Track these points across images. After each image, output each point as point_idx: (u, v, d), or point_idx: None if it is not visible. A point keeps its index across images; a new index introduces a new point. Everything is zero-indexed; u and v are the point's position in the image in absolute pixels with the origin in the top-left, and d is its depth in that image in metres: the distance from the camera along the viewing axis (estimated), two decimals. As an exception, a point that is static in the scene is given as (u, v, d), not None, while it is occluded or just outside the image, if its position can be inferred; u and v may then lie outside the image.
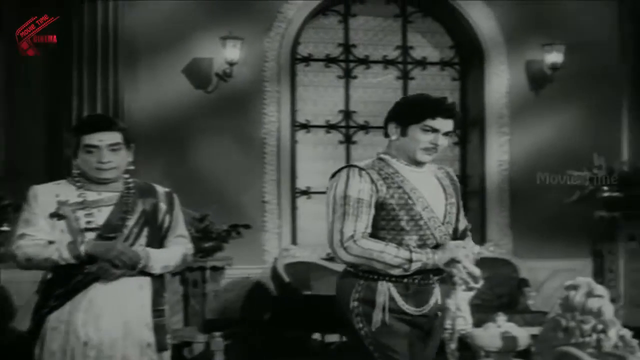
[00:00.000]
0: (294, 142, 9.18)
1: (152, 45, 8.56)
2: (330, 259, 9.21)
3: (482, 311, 6.11)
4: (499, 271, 8.69)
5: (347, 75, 9.51)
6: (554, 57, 9.20)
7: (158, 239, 3.99)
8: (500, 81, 9.35)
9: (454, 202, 3.93)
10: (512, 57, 9.35)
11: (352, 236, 3.75)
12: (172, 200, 4.07)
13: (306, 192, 9.34)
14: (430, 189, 3.88)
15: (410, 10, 9.64)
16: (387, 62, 9.59)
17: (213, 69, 8.76)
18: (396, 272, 3.70)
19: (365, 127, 9.50)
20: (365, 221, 3.76)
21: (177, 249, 4.03)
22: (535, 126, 9.36)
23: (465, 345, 4.62)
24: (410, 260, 3.69)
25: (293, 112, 9.15)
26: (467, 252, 3.76)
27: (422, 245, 3.77)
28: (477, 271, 3.59)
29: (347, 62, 9.52)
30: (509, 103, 9.34)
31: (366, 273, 3.77)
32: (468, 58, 9.58)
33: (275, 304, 8.29)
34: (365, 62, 9.53)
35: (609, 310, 2.51)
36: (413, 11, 9.64)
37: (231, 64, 8.67)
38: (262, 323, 8.22)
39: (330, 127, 9.46)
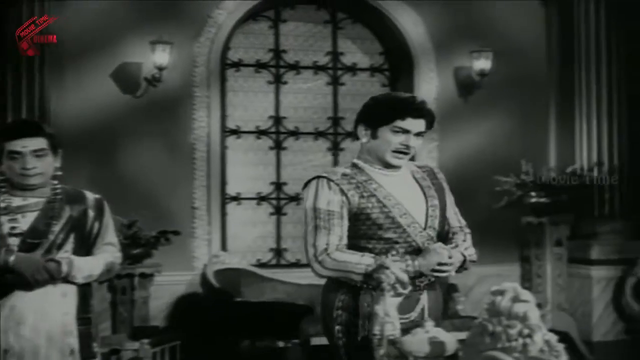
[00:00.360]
0: (223, 147, 9.14)
1: (80, 47, 8.45)
2: (261, 265, 9.20)
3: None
4: (429, 276, 8.74)
5: (278, 81, 9.50)
6: (482, 63, 9.29)
7: (86, 246, 3.93)
8: (429, 87, 9.41)
9: (436, 204, 3.79)
10: (441, 63, 9.42)
11: (326, 249, 3.66)
12: (101, 207, 4.02)
13: (236, 198, 9.30)
14: (408, 194, 3.76)
15: (340, 17, 9.67)
16: (317, 68, 9.60)
17: (142, 74, 8.68)
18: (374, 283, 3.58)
19: (295, 133, 9.50)
20: (338, 233, 3.67)
21: (104, 257, 3.98)
22: (464, 132, 9.44)
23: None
24: (377, 268, 3.57)
25: (223, 117, 9.12)
26: (446, 255, 3.64)
27: (405, 252, 3.67)
28: (405, 277, 3.58)
29: (278, 68, 9.51)
30: (438, 109, 9.38)
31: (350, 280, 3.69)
32: (398, 64, 9.64)
33: (204, 310, 8.24)
34: (296, 67, 9.54)
35: (534, 315, 2.53)
36: (343, 17, 9.67)
37: (160, 68, 8.60)
38: (191, 330, 8.16)
39: (260, 132, 9.44)
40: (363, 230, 3.68)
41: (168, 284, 8.51)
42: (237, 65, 9.38)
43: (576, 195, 9.01)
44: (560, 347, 2.55)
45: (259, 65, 9.45)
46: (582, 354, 8.69)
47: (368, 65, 9.72)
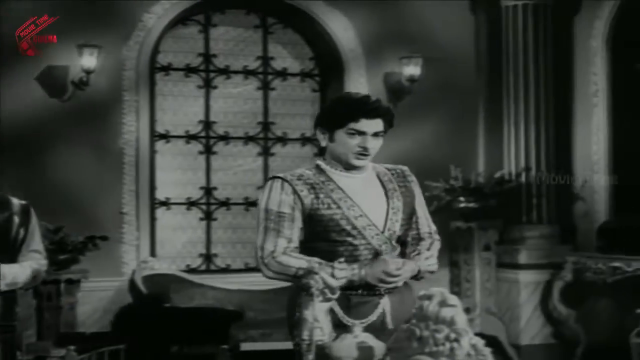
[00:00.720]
0: (153, 152, 9.06)
1: (4, 50, 8.31)
2: (191, 270, 9.14)
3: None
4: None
5: (208, 85, 9.45)
6: (412, 69, 9.34)
7: (10, 253, 3.86)
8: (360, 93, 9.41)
9: (399, 207, 3.69)
10: (371, 69, 9.46)
11: (272, 252, 3.59)
12: (27, 213, 3.95)
13: (165, 203, 9.23)
14: (368, 195, 3.67)
15: (270, 22, 9.65)
16: (247, 73, 9.57)
17: (69, 77, 8.57)
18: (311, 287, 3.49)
19: (225, 138, 9.45)
20: (287, 236, 3.60)
21: (29, 264, 3.91)
22: (394, 138, 9.33)
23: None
24: (333, 277, 3.49)
25: (152, 121, 9.04)
26: (393, 267, 3.54)
27: (358, 256, 3.59)
28: (334, 282, 3.57)
29: (208, 72, 9.46)
30: (368, 115, 9.43)
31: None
32: (328, 69, 9.65)
33: (132, 316, 8.16)
34: (226, 72, 9.49)
35: (461, 319, 2.54)
36: (273, 22, 9.65)
37: (88, 72, 8.50)
38: (119, 336, 8.06)
39: (190, 137, 9.37)
40: (317, 233, 3.61)
41: (96, 290, 8.41)
42: (167, 69, 9.31)
43: (504, 201, 9.10)
44: (487, 351, 2.56)
45: (189, 70, 9.40)
46: (510, 358, 8.78)
47: (298, 70, 9.72)
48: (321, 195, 3.61)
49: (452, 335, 2.55)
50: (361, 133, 3.59)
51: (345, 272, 3.52)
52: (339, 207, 3.59)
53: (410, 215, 3.75)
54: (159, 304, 8.08)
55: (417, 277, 3.70)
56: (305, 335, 3.58)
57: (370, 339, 3.32)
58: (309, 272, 3.60)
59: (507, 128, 9.37)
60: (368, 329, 3.50)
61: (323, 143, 3.67)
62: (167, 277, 8.60)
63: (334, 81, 9.58)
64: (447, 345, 2.55)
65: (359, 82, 9.42)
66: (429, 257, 3.74)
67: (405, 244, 3.75)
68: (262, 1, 9.49)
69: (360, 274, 3.54)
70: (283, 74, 9.65)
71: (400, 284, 3.62)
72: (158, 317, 7.88)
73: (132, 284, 8.49)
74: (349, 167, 3.66)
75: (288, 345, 3.80)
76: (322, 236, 3.61)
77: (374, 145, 3.64)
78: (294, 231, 3.60)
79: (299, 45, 9.74)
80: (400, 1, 9.55)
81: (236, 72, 9.53)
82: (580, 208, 9.37)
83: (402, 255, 3.74)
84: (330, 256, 3.56)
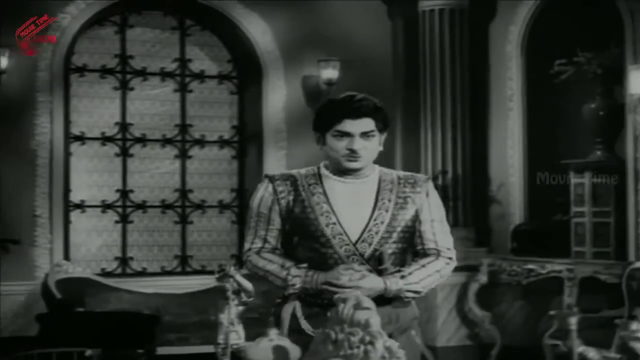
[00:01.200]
0: (67, 154, 8.93)
1: None
2: (106, 274, 9.02)
3: (260, 325, 6.14)
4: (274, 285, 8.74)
5: (124, 87, 9.34)
6: (330, 73, 9.37)
7: None
8: (278, 96, 9.43)
9: (385, 220, 3.48)
10: (289, 72, 9.45)
11: (248, 251, 3.61)
12: None
13: (80, 206, 9.10)
14: (353, 203, 3.50)
15: (188, 23, 9.59)
16: (164, 75, 9.49)
17: (-20, 78, 8.41)
18: (284, 292, 3.53)
19: (142, 140, 9.36)
20: (262, 236, 3.56)
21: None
22: (312, 141, 9.43)
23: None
24: (286, 282, 3.50)
25: (67, 123, 8.90)
26: (345, 278, 3.38)
27: (323, 265, 3.44)
28: (249, 285, 3.55)
29: (124, 74, 9.35)
30: (286, 118, 9.43)
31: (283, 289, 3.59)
32: (246, 72, 9.62)
33: (45, 321, 8.02)
34: (143, 73, 9.40)
35: (376, 322, 2.55)
36: (191, 24, 9.59)
37: None
38: (32, 341, 7.92)
39: (106, 139, 9.26)
40: (293, 237, 3.54)
41: (7, 294, 8.25)
42: (82, 70, 9.18)
43: (421, 204, 9.15)
44: (402, 353, 2.57)
45: (105, 71, 9.28)
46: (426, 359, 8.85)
47: (216, 73, 9.67)
48: (300, 199, 3.52)
49: (367, 338, 2.56)
50: (347, 134, 3.46)
51: (298, 279, 3.46)
52: (312, 212, 3.49)
53: (407, 229, 3.53)
54: (73, 308, 7.96)
55: (395, 296, 3.47)
56: (220, 339, 3.55)
57: (286, 342, 3.31)
58: (225, 274, 3.57)
59: (423, 131, 9.44)
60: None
61: (318, 146, 3.59)
62: (81, 280, 8.48)
63: (252, 84, 9.55)
64: (362, 348, 2.56)
65: (277, 85, 9.41)
66: (406, 275, 3.48)
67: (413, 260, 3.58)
68: (179, 3, 9.42)
69: (313, 280, 3.44)
70: (201, 76, 9.59)
71: (342, 295, 3.42)
72: (72, 321, 7.76)
73: (45, 288, 8.34)
74: (344, 171, 3.53)
75: (205, 349, 3.78)
76: (297, 241, 3.54)
77: (365, 146, 3.47)
78: (269, 232, 3.55)
79: (217, 47, 9.69)
80: (319, 5, 9.56)
81: (153, 74, 9.44)
82: (496, 211, 9.48)
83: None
84: (304, 261, 3.49)
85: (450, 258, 3.60)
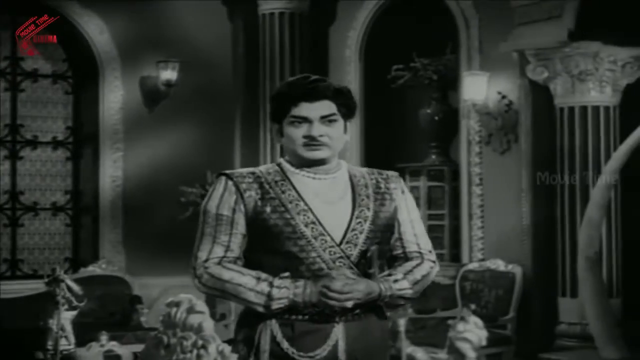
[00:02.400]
0: None
1: None
2: None
3: (95, 330, 6.00)
4: (112, 288, 8.59)
5: (-48, 86, 9.00)
6: (169, 74, 9.27)
7: None
8: (115, 97, 9.27)
9: (367, 217, 3.04)
10: (126, 72, 9.30)
11: (205, 262, 2.97)
12: None
13: None
14: (329, 200, 3.04)
15: (21, 21, 9.29)
16: (-6, 73, 9.20)
17: None
18: (260, 310, 2.90)
19: (-29, 141, 9.04)
20: (225, 243, 2.98)
21: None
22: (150, 142, 9.36)
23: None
24: (270, 297, 2.89)
25: None
26: (339, 283, 2.90)
27: (304, 272, 2.93)
28: (79, 290, 3.45)
29: (-49, 72, 9.02)
30: (123, 119, 9.27)
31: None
32: (82, 72, 9.41)
33: None
34: (-29, 72, 9.09)
35: (209, 326, 2.51)
36: (24, 22, 9.31)
37: None
38: None
39: None
40: (259, 242, 2.98)
41: None
42: None
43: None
44: (234, 357, 2.54)
45: None
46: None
47: (50, 72, 9.41)
48: (268, 197, 3.00)
49: (200, 342, 2.52)
50: (304, 120, 3.00)
51: (286, 291, 2.90)
52: (286, 211, 2.97)
53: (387, 229, 3.11)
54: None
55: (387, 302, 3.06)
56: (49, 345, 3.44)
57: (117, 347, 3.23)
58: (55, 279, 3.46)
59: (263, 134, 9.45)
60: None
61: (276, 140, 3.13)
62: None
63: (89, 84, 9.36)
64: (195, 352, 2.52)
65: (114, 85, 9.25)
66: (399, 279, 3.07)
67: (388, 264, 3.15)
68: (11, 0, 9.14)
69: (304, 292, 2.90)
70: (33, 75, 9.32)
71: (338, 304, 2.94)
72: None
73: None
74: (310, 164, 3.04)
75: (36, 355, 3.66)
76: (264, 246, 2.98)
77: (326, 132, 3.01)
78: (233, 238, 2.99)
79: (52, 46, 9.42)
80: (158, 5, 9.43)
81: (-18, 73, 9.14)
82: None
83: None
84: (273, 272, 2.94)
85: (434, 261, 3.20)
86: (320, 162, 3.04)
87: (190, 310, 2.55)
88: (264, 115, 9.43)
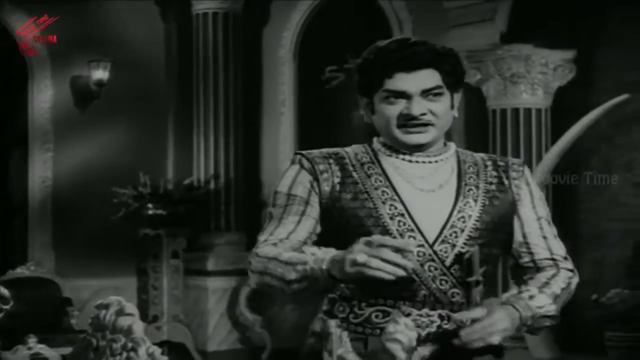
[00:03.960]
0: None
1: None
2: None
3: (24, 333, 5.91)
4: (41, 291, 8.46)
5: None
6: (100, 74, 9.16)
7: None
8: (44, 96, 9.15)
9: (471, 213, 2.44)
10: (57, 72, 9.19)
11: (264, 243, 2.46)
12: None
13: None
14: (425, 188, 2.47)
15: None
16: None
17: None
18: (295, 288, 2.34)
19: None
20: (291, 225, 2.45)
21: None
22: (81, 143, 9.25)
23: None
24: (305, 263, 2.30)
25: None
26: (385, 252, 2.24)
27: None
28: (6, 292, 3.38)
29: None
30: (53, 119, 9.16)
31: (332, 301, 2.48)
32: (9, 71, 9.26)
33: None
34: None
35: (138, 328, 2.46)
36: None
37: None
38: None
39: None
40: (336, 234, 2.44)
41: None
42: None
43: (193, 208, 9.11)
44: (165, 359, 2.51)
45: None
46: (197, 365, 8.79)
47: (-25, 70, 9.28)
48: (350, 181, 2.47)
49: (129, 345, 2.47)
50: (401, 94, 2.43)
51: (322, 253, 2.30)
52: (369, 199, 2.43)
53: (499, 228, 2.49)
54: None
55: (529, 327, 2.44)
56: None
57: (45, 350, 3.17)
58: None
59: (196, 135, 9.40)
60: None
61: (366, 119, 2.58)
62: None
63: (17, 84, 9.22)
64: (124, 355, 2.48)
65: (44, 85, 9.14)
66: (534, 294, 2.43)
67: (513, 277, 2.60)
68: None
69: (321, 264, 2.27)
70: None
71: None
72: None
73: None
74: (406, 149, 2.49)
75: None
76: (339, 241, 2.35)
77: (429, 108, 2.44)
78: (304, 221, 2.46)
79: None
80: (90, 4, 9.32)
81: None
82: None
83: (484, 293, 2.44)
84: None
85: (571, 270, 2.55)
86: (422, 146, 2.49)
87: (120, 312, 2.51)
88: (198, 118, 9.39)
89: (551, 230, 2.55)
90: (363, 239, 2.21)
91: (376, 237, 2.22)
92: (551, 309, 2.44)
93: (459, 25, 7.67)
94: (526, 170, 2.57)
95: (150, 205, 8.92)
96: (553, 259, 2.52)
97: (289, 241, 2.42)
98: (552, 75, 7.52)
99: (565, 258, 2.55)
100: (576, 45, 7.45)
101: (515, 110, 7.54)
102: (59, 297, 8.63)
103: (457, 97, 2.52)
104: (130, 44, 9.47)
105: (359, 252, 2.19)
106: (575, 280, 2.54)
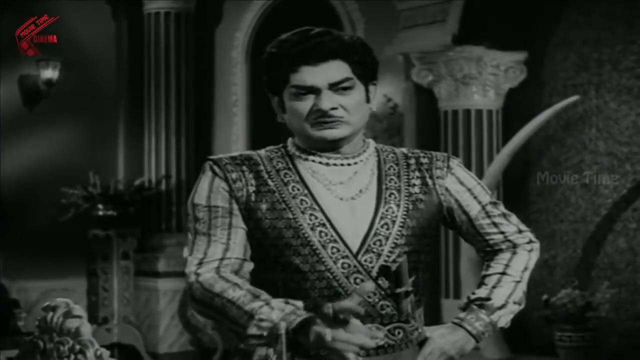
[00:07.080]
0: None
1: None
2: None
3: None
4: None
5: None
6: (50, 73, 9.07)
7: None
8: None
9: (394, 216, 2.30)
10: (5, 71, 9.07)
11: (199, 266, 2.25)
12: None
13: None
14: (345, 194, 2.31)
15: None
16: None
17: None
18: (251, 343, 2.14)
19: None
20: (223, 240, 2.26)
21: None
22: (30, 143, 9.15)
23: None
24: (251, 316, 2.11)
25: None
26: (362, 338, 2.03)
27: (308, 290, 2.21)
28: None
29: None
30: (1, 118, 9.04)
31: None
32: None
33: None
34: None
35: (86, 330, 2.44)
36: None
37: None
38: None
39: None
40: (254, 248, 2.29)
41: None
42: None
43: (144, 208, 9.07)
44: (113, 362, 2.48)
45: None
46: (147, 367, 8.75)
47: None
48: (265, 190, 2.29)
49: (77, 347, 2.45)
50: (309, 89, 2.27)
51: (277, 313, 2.09)
52: (287, 209, 2.27)
53: (429, 231, 2.37)
54: None
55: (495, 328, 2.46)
56: None
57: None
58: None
59: (147, 135, 9.37)
60: None
61: (279, 118, 2.42)
62: None
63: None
64: (72, 357, 2.45)
65: (-9, 83, 9.04)
66: (485, 303, 2.44)
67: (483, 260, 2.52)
68: None
69: (295, 319, 2.07)
70: None
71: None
72: None
73: None
74: (322, 147, 2.33)
75: None
76: (258, 255, 2.28)
77: (340, 103, 2.27)
78: (233, 233, 2.27)
79: None
80: (40, 2, 9.21)
81: None
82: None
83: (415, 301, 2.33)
84: (269, 290, 2.19)
85: (529, 241, 2.47)
86: (337, 143, 2.32)
87: (67, 314, 2.48)
88: (149, 118, 9.35)
89: (498, 212, 2.45)
90: (327, 309, 2.03)
91: (340, 308, 2.02)
92: (514, 308, 2.44)
93: (410, 27, 7.69)
94: (452, 162, 2.42)
95: (100, 206, 8.85)
96: (508, 240, 2.45)
97: (229, 261, 2.25)
98: (503, 77, 7.56)
99: (520, 231, 2.47)
100: (527, 47, 7.50)
101: (467, 112, 7.57)
102: (5, 298, 8.52)
103: (373, 89, 2.37)
104: (81, 43, 9.39)
105: (326, 331, 2.01)
106: (537, 250, 2.49)
